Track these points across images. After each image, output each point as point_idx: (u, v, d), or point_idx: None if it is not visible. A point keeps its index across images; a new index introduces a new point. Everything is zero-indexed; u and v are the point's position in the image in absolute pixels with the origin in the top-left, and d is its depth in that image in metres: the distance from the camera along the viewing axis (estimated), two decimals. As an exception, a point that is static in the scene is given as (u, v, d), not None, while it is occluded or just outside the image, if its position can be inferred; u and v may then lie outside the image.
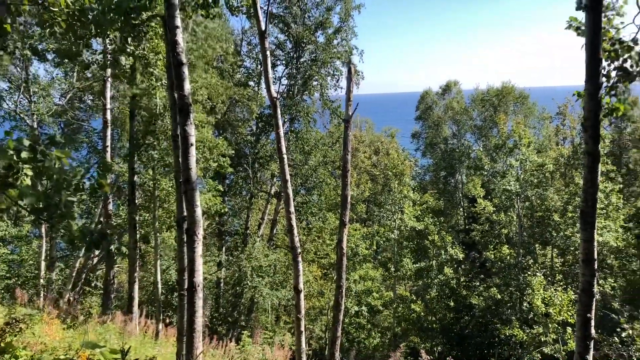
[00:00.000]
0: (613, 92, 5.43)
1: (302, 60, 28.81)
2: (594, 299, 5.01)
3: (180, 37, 6.44)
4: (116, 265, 20.91)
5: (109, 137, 19.05)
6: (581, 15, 4.99)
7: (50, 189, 4.18)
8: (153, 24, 9.34)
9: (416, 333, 29.12)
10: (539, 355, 22.59)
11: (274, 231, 30.57)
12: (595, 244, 4.97)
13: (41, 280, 20.33)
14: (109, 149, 19.01)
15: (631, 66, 5.32)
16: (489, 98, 47.38)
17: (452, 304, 29.45)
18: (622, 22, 5.34)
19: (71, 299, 19.15)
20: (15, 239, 23.48)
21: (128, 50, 9.07)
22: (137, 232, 17.83)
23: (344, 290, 9.78)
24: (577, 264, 26.93)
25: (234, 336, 22.25)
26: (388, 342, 28.68)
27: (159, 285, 18.76)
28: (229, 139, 25.31)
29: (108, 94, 18.78)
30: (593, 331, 5.06)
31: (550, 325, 20.59)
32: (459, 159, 46.17)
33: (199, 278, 6.53)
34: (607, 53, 5.37)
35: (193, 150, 6.53)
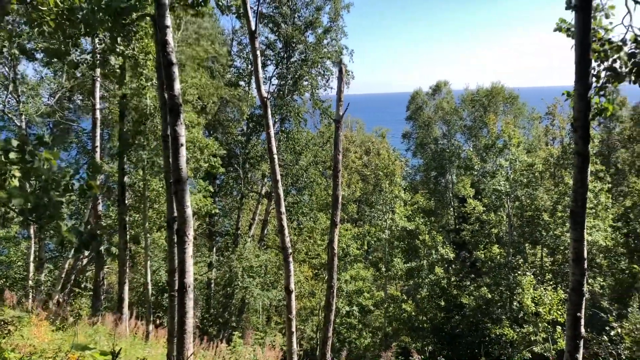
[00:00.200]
0: (602, 93, 5.46)
1: (292, 60, 28.80)
2: (584, 298, 5.04)
3: (170, 36, 6.41)
4: (106, 267, 20.80)
5: (98, 137, 18.93)
6: (570, 16, 5.01)
7: (38, 190, 4.14)
8: (143, 24, 9.30)
9: (407, 333, 29.18)
10: (529, 354, 22.68)
11: (265, 231, 30.52)
12: (585, 243, 5.00)
13: (30, 282, 20.17)
14: (98, 149, 18.89)
15: (620, 67, 5.34)
16: (479, 98, 47.60)
17: (442, 303, 29.54)
18: (611, 23, 5.38)
19: (60, 300, 19.01)
20: (4, 240, 23.28)
21: (118, 50, 9.01)
22: (127, 232, 17.74)
23: (335, 291, 9.78)
24: (566, 263, 27.09)
25: (225, 337, 22.19)
26: (379, 342, 28.72)
27: (149, 286, 18.67)
28: (219, 139, 25.25)
29: (97, 94, 18.67)
30: (583, 330, 5.08)
31: (540, 324, 20.71)
32: (449, 159, 46.34)
33: (189, 279, 6.50)
34: (596, 54, 5.39)
35: (183, 151, 6.50)
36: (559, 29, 5.49)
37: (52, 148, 4.32)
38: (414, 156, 52.18)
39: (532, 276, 23.06)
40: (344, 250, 28.96)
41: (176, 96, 6.42)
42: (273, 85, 29.08)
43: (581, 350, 5.15)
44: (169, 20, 6.46)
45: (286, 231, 8.81)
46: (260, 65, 8.36)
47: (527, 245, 29.79)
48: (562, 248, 27.03)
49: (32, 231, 20.58)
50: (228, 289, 24.78)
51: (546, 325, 20.53)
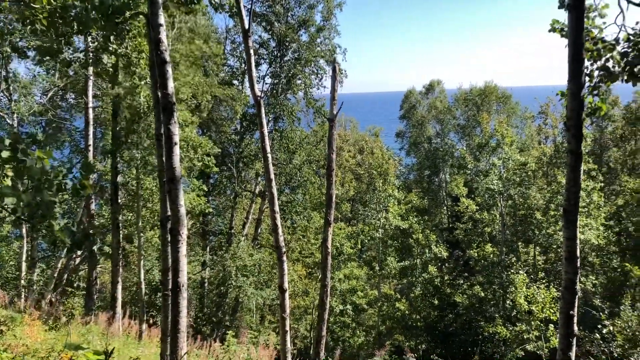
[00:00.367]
0: (596, 92, 5.48)
1: (285, 59, 28.78)
2: (577, 296, 5.06)
3: (164, 35, 6.39)
4: (99, 266, 20.72)
5: (91, 136, 18.85)
6: (564, 16, 5.03)
7: (31, 189, 4.12)
8: (136, 22, 9.26)
9: (401, 331, 29.23)
10: (522, 352, 22.79)
11: (259, 230, 30.48)
12: (578, 241, 5.02)
13: (22, 281, 20.06)
14: (91, 148, 18.81)
15: (613, 66, 5.37)
16: (472, 97, 47.75)
17: (436, 302, 29.61)
18: (604, 23, 5.40)
19: (53, 300, 18.93)
20: (-4, 240, 23.14)
21: (110, 48, 8.98)
22: (121, 232, 17.68)
23: (328, 289, 9.79)
24: (559, 262, 27.21)
25: (219, 336, 22.16)
26: (373, 341, 28.76)
27: (143, 286, 18.61)
28: (213, 138, 25.20)
29: (90, 92, 18.59)
30: (575, 328, 5.11)
31: (533, 322, 20.79)
32: (443, 158, 46.49)
33: (183, 278, 6.49)
34: (589, 53, 5.41)
35: (177, 150, 6.48)
36: (553, 29, 5.51)
37: (45, 147, 4.30)
38: (407, 155, 52.32)
39: (525, 275, 23.14)
40: (337, 249, 28.98)
41: (170, 95, 6.40)
42: (267, 84, 29.08)
43: (574, 348, 5.17)
44: (162, 19, 6.44)
45: (280, 230, 8.80)
46: (253, 64, 8.35)
47: (519, 243, 29.91)
48: (554, 247, 27.15)
49: (24, 230, 20.47)
50: (222, 288, 24.74)
51: (539, 323, 20.61)
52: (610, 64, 5.38)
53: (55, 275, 21.92)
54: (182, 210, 6.50)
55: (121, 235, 17.61)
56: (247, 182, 31.23)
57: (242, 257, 23.86)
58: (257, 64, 28.73)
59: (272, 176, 8.66)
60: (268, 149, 8.52)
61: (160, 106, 6.59)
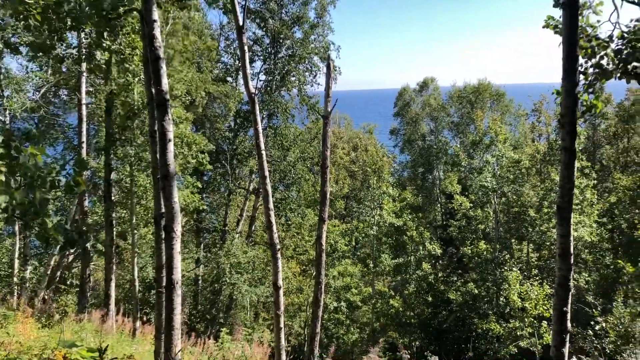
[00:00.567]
0: (591, 90, 5.49)
1: (279, 55, 28.76)
2: (570, 293, 5.08)
3: (157, 31, 6.36)
4: (92, 263, 20.64)
5: (84, 133, 18.76)
6: (558, 14, 5.04)
7: (24, 186, 4.09)
8: (130, 19, 9.21)
9: (395, 328, 29.29)
10: (515, 349, 22.91)
11: (253, 228, 30.46)
12: (572, 238, 5.03)
13: (15, 279, 19.98)
14: (84, 145, 18.72)
15: (607, 63, 5.38)
16: (466, 95, 47.83)
17: (430, 299, 29.68)
18: (598, 20, 5.41)
19: (46, 297, 18.87)
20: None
21: (104, 44, 8.93)
22: (114, 229, 17.61)
23: (323, 287, 9.78)
24: (552, 259, 27.34)
25: (213, 333, 22.14)
26: (367, 338, 28.80)
27: (136, 283, 18.57)
28: (207, 135, 25.13)
29: (84, 89, 18.49)
30: (569, 324, 5.12)
31: (526, 319, 20.89)
32: (437, 155, 46.58)
33: (177, 275, 6.46)
34: (584, 50, 5.43)
35: (171, 146, 6.45)
36: (547, 25, 5.52)
37: (38, 143, 4.27)
38: (401, 152, 52.35)
39: (519, 272, 23.24)
40: (332, 246, 28.98)
41: (164, 91, 6.37)
42: (261, 81, 29.05)
43: (567, 345, 5.19)
44: (156, 15, 6.41)
45: (274, 227, 8.79)
46: (247, 60, 8.32)
47: (513, 241, 30.01)
48: (547, 244, 27.26)
49: (16, 227, 20.36)
50: (216, 285, 24.72)
51: (532, 320, 20.71)
52: (604, 61, 5.40)
53: (48, 272, 21.85)
54: (177, 207, 6.47)
55: (115, 233, 17.55)
56: (241, 180, 31.21)
57: (236, 255, 23.85)
58: (251, 61, 28.68)
59: (267, 173, 8.63)
60: (262, 146, 8.49)
61: (154, 103, 6.56)
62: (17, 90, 20.05)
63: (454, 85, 51.06)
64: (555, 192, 26.12)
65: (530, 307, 20.50)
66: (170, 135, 6.43)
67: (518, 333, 21.75)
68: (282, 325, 8.78)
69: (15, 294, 18.19)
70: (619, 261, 23.66)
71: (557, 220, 5.05)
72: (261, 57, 29.09)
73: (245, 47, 8.20)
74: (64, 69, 19.77)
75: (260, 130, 8.53)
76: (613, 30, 5.29)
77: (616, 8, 5.13)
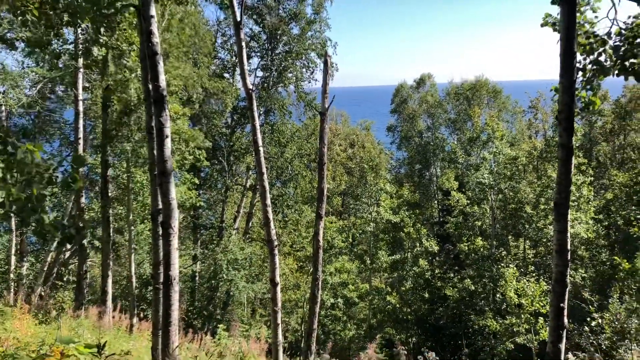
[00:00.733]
0: (589, 86, 5.50)
1: (276, 51, 28.72)
2: (567, 289, 5.10)
3: (155, 26, 6.34)
4: (89, 259, 20.62)
5: (81, 129, 18.69)
6: (556, 10, 5.03)
7: (21, 182, 4.08)
8: (127, 14, 9.18)
9: (391, 324, 29.35)
10: (512, 345, 22.97)
11: (250, 224, 30.46)
12: (569, 234, 5.05)
13: (11, 275, 19.94)
14: (81, 141, 18.66)
15: (605, 60, 5.39)
16: (463, 92, 47.84)
17: (426, 295, 29.75)
18: (596, 17, 5.41)
19: (43, 293, 18.83)
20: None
21: (101, 40, 8.90)
22: (111, 225, 17.59)
23: (320, 283, 9.80)
24: (548, 255, 27.40)
25: (210, 330, 22.14)
26: (364, 334, 28.85)
27: (133, 279, 18.55)
28: (203, 131, 25.09)
29: (80, 85, 18.42)
30: (566, 320, 5.15)
31: (522, 315, 20.93)
32: (434, 152, 46.58)
33: (174, 271, 6.46)
34: (582, 47, 5.43)
35: (169, 143, 6.44)
36: (545, 24, 5.52)
37: (34, 139, 4.26)
38: (398, 149, 52.35)
39: (515, 268, 23.28)
40: (329, 243, 29.01)
41: (161, 87, 6.35)
42: (258, 77, 29.04)
43: (564, 340, 5.21)
44: (153, 10, 6.39)
45: (272, 224, 8.79)
46: (245, 56, 8.30)
47: (510, 237, 30.09)
48: (544, 240, 27.33)
49: (13, 224, 20.32)
50: (213, 281, 24.71)
51: (529, 316, 20.76)
52: (602, 58, 5.40)
53: (45, 268, 21.80)
54: (174, 204, 6.47)
55: (111, 229, 17.52)
56: (238, 176, 31.18)
57: (233, 251, 23.84)
58: (248, 57, 28.63)
59: (264, 170, 8.63)
60: (260, 142, 8.48)
61: (151, 99, 6.54)
62: (13, 86, 19.97)
63: (451, 82, 51.06)
64: (551, 188, 26.17)
65: (527, 303, 20.55)
66: (168, 131, 6.42)
67: (514, 329, 21.80)
68: (279, 321, 8.79)
69: (12, 290, 18.16)
70: (615, 258, 23.72)
71: (554, 217, 5.06)
72: (258, 54, 29.07)
73: (243, 43, 8.19)
74: (60, 65, 19.69)
75: (258, 127, 8.51)
76: (611, 27, 5.30)
77: (614, 5, 5.13)
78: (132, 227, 18.11)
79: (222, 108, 28.72)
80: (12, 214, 4.22)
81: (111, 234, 17.35)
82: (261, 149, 8.53)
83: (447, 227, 32.68)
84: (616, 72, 5.31)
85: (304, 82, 29.02)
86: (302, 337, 27.03)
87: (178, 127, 17.06)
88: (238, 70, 27.07)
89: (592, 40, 5.35)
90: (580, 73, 5.46)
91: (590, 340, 14.70)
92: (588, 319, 16.03)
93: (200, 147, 19.01)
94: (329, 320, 28.75)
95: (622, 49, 5.28)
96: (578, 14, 5.05)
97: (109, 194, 17.42)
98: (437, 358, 13.28)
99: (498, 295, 25.50)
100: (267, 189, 8.69)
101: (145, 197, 17.38)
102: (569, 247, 5.04)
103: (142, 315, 20.15)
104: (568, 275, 5.07)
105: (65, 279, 22.31)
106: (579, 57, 5.26)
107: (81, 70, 18.20)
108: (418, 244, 30.50)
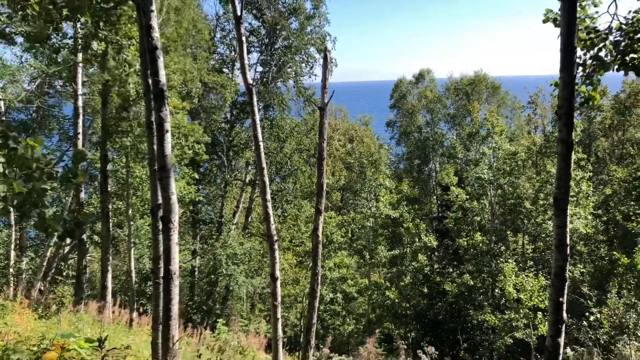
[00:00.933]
0: (589, 81, 5.50)
1: (276, 46, 28.70)
2: (566, 283, 5.11)
3: (155, 20, 6.32)
4: (88, 254, 20.63)
5: (80, 124, 18.64)
6: (557, 5, 5.03)
7: (21, 177, 4.08)
8: (126, 8, 9.15)
9: (390, 319, 29.43)
10: (510, 340, 23.04)
11: (249, 219, 30.49)
12: (568, 229, 5.06)
13: (11, 270, 19.95)
14: (80, 136, 18.62)
15: (606, 55, 5.39)
16: (462, 87, 47.80)
17: (425, 290, 29.80)
18: (597, 12, 5.41)
19: (42, 288, 18.85)
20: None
21: (100, 35, 8.88)
22: (110, 220, 17.59)
23: (319, 278, 9.82)
24: (547, 251, 27.45)
25: (209, 324, 22.20)
26: (363, 329, 28.94)
27: (133, 274, 18.57)
28: (202, 126, 25.08)
29: (80, 80, 18.36)
30: (565, 315, 5.17)
31: (521, 310, 20.99)
32: (433, 147, 46.59)
33: (175, 266, 6.47)
34: (582, 42, 5.43)
35: (169, 137, 6.43)
36: (546, 20, 5.51)
37: (34, 134, 4.27)
38: (397, 144, 52.35)
39: (514, 263, 23.33)
40: (328, 238, 29.04)
41: (161, 82, 6.34)
42: (257, 72, 29.01)
43: (563, 335, 5.23)
44: (153, 4, 6.37)
45: (271, 218, 8.79)
46: (245, 51, 8.28)
47: (509, 232, 30.11)
48: (543, 235, 27.37)
49: (12, 218, 20.31)
50: (212, 276, 24.74)
51: (527, 311, 20.81)
52: (602, 53, 5.40)
53: (45, 263, 21.82)
54: (174, 199, 6.46)
55: (111, 224, 17.52)
56: (238, 171, 31.19)
57: (233, 246, 23.87)
58: (248, 52, 28.56)
59: (264, 165, 8.63)
60: (260, 137, 8.47)
61: (151, 94, 6.53)
62: (12, 81, 19.92)
63: (450, 77, 51.03)
64: (551, 184, 26.20)
65: (526, 298, 20.60)
66: (168, 126, 6.41)
67: (513, 324, 21.87)
68: (279, 316, 8.81)
69: (12, 284, 18.16)
70: (614, 253, 23.78)
71: (554, 212, 5.08)
72: (257, 49, 29.06)
73: (243, 38, 8.17)
74: (59, 60, 19.62)
75: (258, 122, 8.51)
76: (611, 22, 5.30)
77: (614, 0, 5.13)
78: (132, 222, 18.12)
79: (221, 103, 28.71)
80: (12, 209, 4.23)
81: (110, 229, 17.34)
82: (261, 144, 8.53)
83: (446, 222, 32.71)
84: (616, 67, 5.31)
85: (304, 77, 29.06)
86: (301, 331, 27.08)
87: (177, 120, 17.05)
88: (237, 65, 27.10)
89: (592, 35, 5.35)
90: (580, 68, 5.46)
91: (589, 335, 14.76)
92: (587, 314, 16.09)
93: (200, 142, 18.99)
94: (328, 315, 28.82)
95: (623, 44, 5.28)
96: (579, 9, 5.05)
97: (109, 189, 17.42)
98: (437, 352, 13.30)
99: (497, 290, 25.55)
100: (267, 184, 8.69)
101: (144, 192, 17.37)
102: (568, 242, 5.05)
103: (141, 309, 20.19)
104: (567, 270, 5.09)
105: (64, 273, 22.33)
106: (579, 52, 5.26)
107: (80, 65, 18.14)
108: (417, 239, 30.54)
